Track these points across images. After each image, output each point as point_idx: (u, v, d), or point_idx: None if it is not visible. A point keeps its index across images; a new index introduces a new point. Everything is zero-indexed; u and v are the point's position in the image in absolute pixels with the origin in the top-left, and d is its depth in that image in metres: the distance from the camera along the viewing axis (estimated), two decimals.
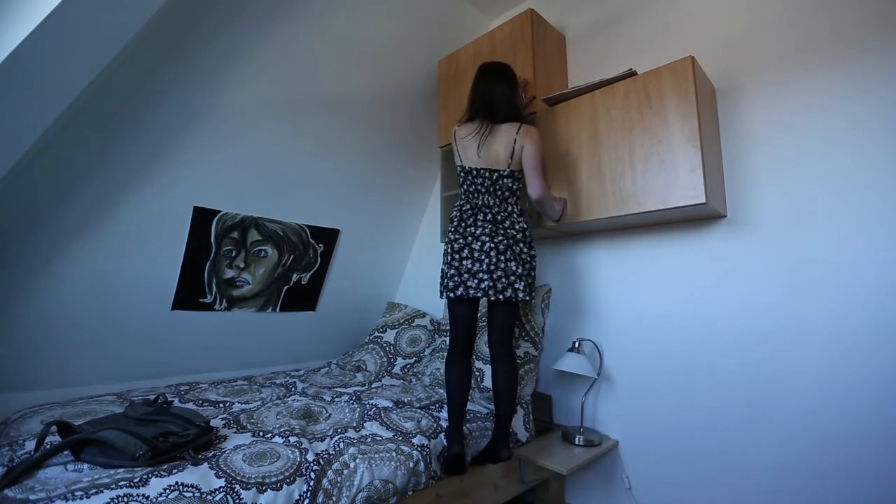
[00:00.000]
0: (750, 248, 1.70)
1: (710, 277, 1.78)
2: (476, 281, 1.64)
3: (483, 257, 1.64)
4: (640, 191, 1.69)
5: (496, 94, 1.74)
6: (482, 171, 1.72)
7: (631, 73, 1.77)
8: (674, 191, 1.61)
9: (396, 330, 2.63)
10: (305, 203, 2.42)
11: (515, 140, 1.69)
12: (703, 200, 1.54)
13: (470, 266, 1.65)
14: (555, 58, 2.26)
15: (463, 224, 1.71)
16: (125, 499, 1.01)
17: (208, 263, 2.19)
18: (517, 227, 1.70)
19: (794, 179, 1.62)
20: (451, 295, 1.67)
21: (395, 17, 2.25)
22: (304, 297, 2.65)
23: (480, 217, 1.70)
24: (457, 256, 1.68)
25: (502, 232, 1.67)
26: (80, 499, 0.98)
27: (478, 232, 1.68)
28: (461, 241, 1.69)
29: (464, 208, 1.74)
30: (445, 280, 1.70)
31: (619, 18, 2.18)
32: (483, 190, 1.73)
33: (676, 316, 1.86)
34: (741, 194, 1.73)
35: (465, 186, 1.77)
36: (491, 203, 1.72)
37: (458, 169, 1.79)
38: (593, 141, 1.84)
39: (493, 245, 1.65)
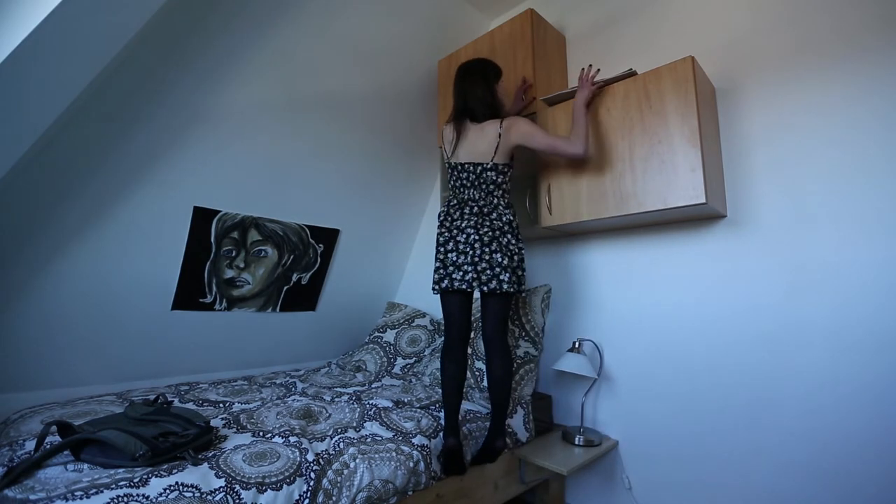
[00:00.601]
0: (750, 248, 1.70)
1: (710, 277, 1.78)
2: (460, 273, 1.65)
3: (467, 249, 1.65)
4: (640, 191, 1.69)
5: (472, 95, 1.77)
6: (466, 166, 1.75)
7: (631, 73, 1.77)
8: (674, 191, 1.60)
9: (396, 330, 2.63)
10: (305, 203, 2.42)
11: (500, 135, 1.70)
12: (703, 200, 1.54)
13: (455, 259, 1.66)
14: (555, 58, 2.26)
15: (449, 218, 1.73)
16: (125, 499, 1.01)
17: (208, 263, 2.19)
18: (504, 218, 1.70)
19: (794, 179, 1.62)
20: (437, 287, 1.69)
21: (395, 17, 2.25)
22: (304, 297, 2.65)
23: (466, 210, 1.71)
24: (442, 249, 1.70)
25: (488, 224, 1.68)
26: (80, 499, 0.98)
27: (463, 224, 1.69)
28: (446, 234, 1.71)
29: (451, 203, 1.77)
30: (433, 274, 1.72)
31: (619, 18, 2.18)
32: (468, 184, 1.75)
33: (676, 316, 1.86)
34: (741, 194, 1.73)
35: (452, 182, 1.80)
36: (476, 196, 1.73)
37: (446, 165, 1.83)
38: (593, 141, 1.83)
39: (477, 237, 1.65)
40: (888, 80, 1.46)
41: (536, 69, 2.09)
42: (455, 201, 1.76)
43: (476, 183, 1.74)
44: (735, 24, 1.80)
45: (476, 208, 1.71)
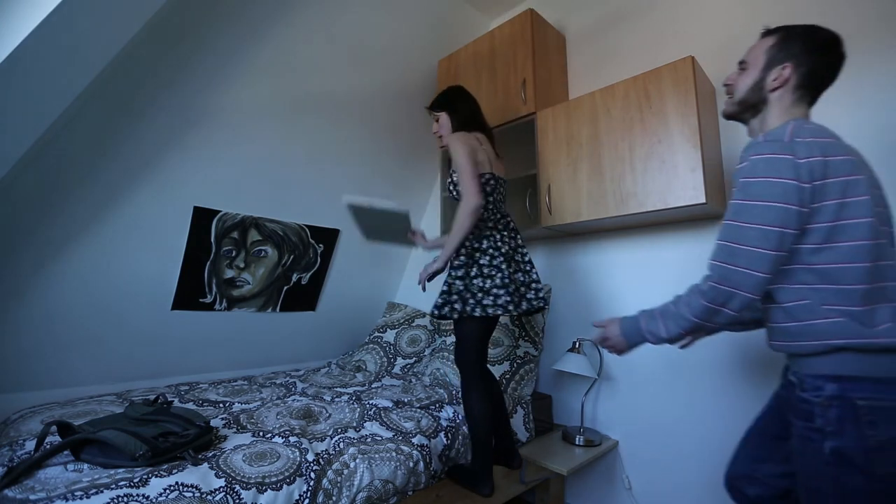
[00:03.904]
0: None
1: None
2: (533, 292, 1.62)
3: (529, 268, 1.65)
4: (640, 191, 1.69)
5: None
6: (501, 180, 1.69)
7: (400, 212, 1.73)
8: (674, 191, 1.61)
9: (396, 330, 2.63)
10: (305, 203, 2.42)
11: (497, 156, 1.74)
12: (704, 200, 1.54)
13: (522, 278, 1.62)
14: (555, 58, 2.26)
15: (497, 234, 1.60)
16: (125, 499, 1.01)
17: (208, 263, 2.19)
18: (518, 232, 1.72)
19: None
20: (516, 311, 1.54)
21: (395, 17, 2.25)
22: (304, 297, 2.65)
23: (508, 226, 1.67)
24: (504, 268, 1.54)
25: (520, 240, 1.68)
26: (80, 499, 0.98)
27: (513, 243, 1.65)
28: (508, 251, 1.59)
29: (497, 218, 1.64)
30: (500, 293, 1.51)
31: (620, 19, 2.18)
32: (501, 199, 1.70)
33: None
34: None
35: (495, 196, 1.64)
36: (506, 212, 1.71)
37: (488, 176, 1.62)
38: (593, 141, 1.84)
39: (526, 253, 1.67)
40: (889, 81, 1.46)
41: (536, 69, 2.09)
42: (499, 216, 1.65)
43: (505, 197, 1.73)
44: (734, 24, 1.80)
45: (511, 224, 1.69)
